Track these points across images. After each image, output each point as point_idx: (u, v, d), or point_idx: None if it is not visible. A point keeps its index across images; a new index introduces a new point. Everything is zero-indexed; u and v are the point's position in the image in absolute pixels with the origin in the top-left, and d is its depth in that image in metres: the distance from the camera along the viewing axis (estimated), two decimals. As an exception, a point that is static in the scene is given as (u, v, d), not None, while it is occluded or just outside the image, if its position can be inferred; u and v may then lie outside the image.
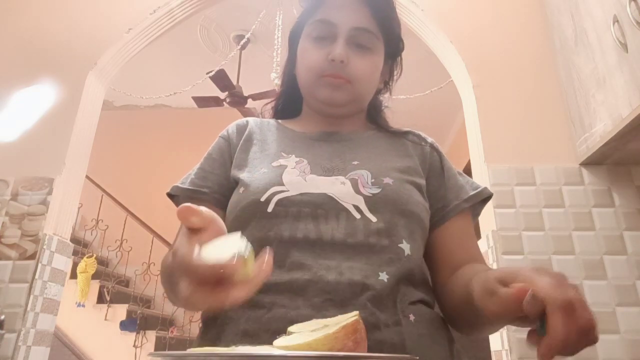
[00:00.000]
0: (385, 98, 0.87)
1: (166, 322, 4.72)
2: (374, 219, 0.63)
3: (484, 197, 0.75)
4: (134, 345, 4.31)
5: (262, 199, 0.65)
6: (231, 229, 0.67)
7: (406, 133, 0.81)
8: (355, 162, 0.70)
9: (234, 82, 4.11)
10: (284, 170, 0.68)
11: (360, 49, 0.74)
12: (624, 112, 1.19)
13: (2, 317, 1.44)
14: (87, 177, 1.98)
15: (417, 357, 0.43)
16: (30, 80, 1.84)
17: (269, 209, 0.64)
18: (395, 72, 0.85)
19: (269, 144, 0.77)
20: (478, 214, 0.77)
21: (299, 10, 0.83)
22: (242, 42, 3.93)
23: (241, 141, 0.78)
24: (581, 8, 1.41)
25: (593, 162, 1.46)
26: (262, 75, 3.89)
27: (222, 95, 4.18)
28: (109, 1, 1.96)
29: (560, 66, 1.58)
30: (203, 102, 4.31)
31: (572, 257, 1.37)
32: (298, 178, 0.67)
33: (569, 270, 1.35)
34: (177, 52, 4.36)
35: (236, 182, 0.72)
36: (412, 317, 0.60)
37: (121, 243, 4.94)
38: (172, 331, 4.68)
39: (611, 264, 1.35)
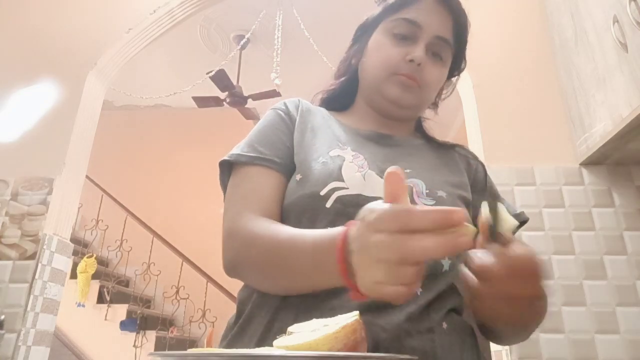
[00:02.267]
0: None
1: (166, 322, 4.72)
2: None
3: (521, 221, 0.75)
4: (134, 345, 4.31)
5: (322, 193, 0.63)
6: (285, 215, 0.66)
7: (454, 146, 0.82)
8: (408, 171, 0.69)
9: (234, 82, 4.11)
10: (342, 163, 0.66)
11: (435, 58, 0.75)
12: (624, 112, 1.19)
13: (2, 317, 1.44)
14: (87, 177, 1.98)
15: (416, 357, 0.43)
16: (30, 80, 1.84)
17: (328, 205, 0.62)
18: (445, 91, 0.85)
19: (323, 130, 0.74)
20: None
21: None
22: (242, 42, 3.93)
23: (297, 119, 0.75)
24: (581, 8, 1.41)
25: (593, 162, 1.46)
26: (262, 75, 3.90)
27: (222, 95, 4.18)
28: (109, 1, 1.96)
29: (560, 66, 1.58)
30: (203, 102, 4.32)
31: (572, 257, 1.37)
32: (357, 175, 0.65)
33: (569, 270, 1.35)
34: (177, 52, 4.36)
35: (294, 165, 0.69)
36: (445, 325, 0.59)
37: (121, 243, 4.93)
38: (172, 331, 4.68)
39: (611, 264, 1.35)
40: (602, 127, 1.31)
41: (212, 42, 4.30)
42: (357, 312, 0.45)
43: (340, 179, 0.64)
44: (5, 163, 1.70)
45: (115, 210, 5.10)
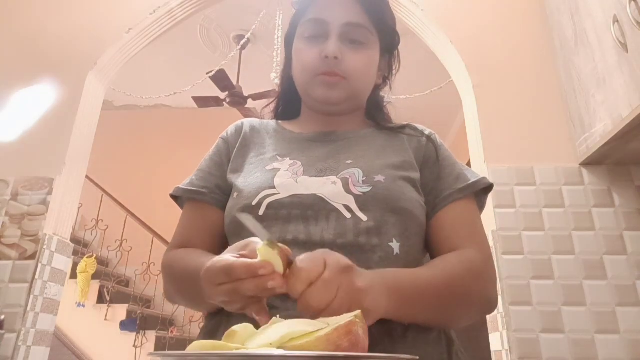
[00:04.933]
0: (386, 94, 0.86)
1: (166, 322, 4.72)
2: (364, 217, 0.63)
3: (480, 187, 0.73)
4: (134, 345, 4.31)
5: (254, 203, 0.66)
6: (228, 233, 0.70)
7: (403, 127, 0.80)
8: (349, 161, 0.70)
9: (234, 82, 4.11)
10: (276, 174, 0.69)
11: (354, 45, 0.74)
12: (624, 112, 1.19)
13: (2, 317, 1.44)
14: (87, 177, 1.98)
15: (417, 357, 0.43)
16: (30, 80, 1.84)
17: (260, 213, 0.65)
18: (394, 67, 0.84)
19: (265, 147, 0.77)
20: (482, 206, 0.76)
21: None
22: (242, 42, 3.93)
23: (237, 144, 0.79)
24: (581, 8, 1.41)
25: (593, 162, 1.46)
26: (262, 75, 3.89)
27: (222, 95, 4.18)
28: (109, 1, 1.96)
29: (560, 66, 1.58)
30: (203, 102, 4.31)
31: (572, 257, 1.37)
32: (289, 180, 0.67)
33: (569, 270, 1.36)
34: (177, 52, 4.36)
35: (231, 189, 0.73)
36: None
37: (121, 243, 4.93)
38: (172, 331, 4.68)
39: (611, 264, 1.35)
40: (602, 127, 1.31)
41: (212, 42, 4.30)
42: (357, 312, 0.45)
43: (271, 187, 0.67)
44: (5, 163, 1.70)
45: (115, 210, 5.11)
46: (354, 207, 0.64)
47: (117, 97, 4.97)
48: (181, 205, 0.80)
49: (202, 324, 4.48)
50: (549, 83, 1.61)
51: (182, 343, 4.53)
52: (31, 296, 1.49)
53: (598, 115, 1.34)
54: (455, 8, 1.76)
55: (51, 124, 1.75)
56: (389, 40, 0.80)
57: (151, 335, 4.44)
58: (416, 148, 0.75)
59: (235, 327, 0.45)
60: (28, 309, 1.48)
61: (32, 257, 1.54)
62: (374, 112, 0.84)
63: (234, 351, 0.40)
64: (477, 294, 0.64)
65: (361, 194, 0.64)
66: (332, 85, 0.73)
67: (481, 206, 0.76)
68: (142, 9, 1.92)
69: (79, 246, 4.86)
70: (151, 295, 5.16)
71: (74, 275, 4.30)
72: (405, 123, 0.82)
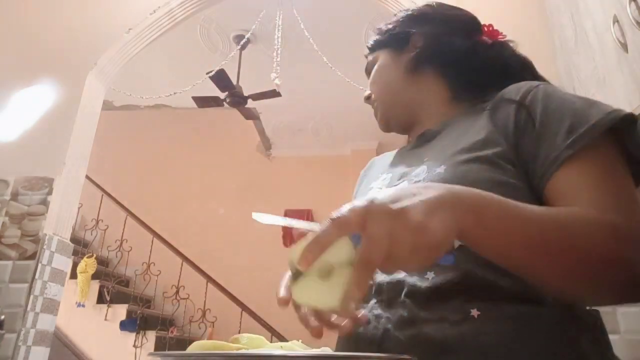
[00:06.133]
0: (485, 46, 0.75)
1: (166, 322, 4.72)
2: None
3: (605, 129, 0.53)
4: (134, 345, 4.31)
5: None
6: None
7: (490, 103, 0.66)
8: (426, 159, 0.66)
9: (234, 82, 4.11)
10: (369, 192, 0.71)
11: (371, 67, 0.82)
12: (624, 112, 1.19)
13: (2, 317, 1.44)
14: (87, 177, 1.98)
15: (416, 358, 0.43)
16: (30, 80, 1.84)
17: None
18: (440, 32, 0.76)
19: (379, 169, 0.81)
20: (636, 142, 0.54)
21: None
22: (242, 42, 3.93)
23: (364, 176, 0.86)
24: (581, 8, 1.41)
25: (593, 162, 1.45)
26: (262, 75, 3.89)
27: (222, 95, 4.18)
28: (109, 1, 1.96)
29: (560, 66, 1.58)
30: (203, 102, 4.31)
31: (572, 257, 1.37)
32: (374, 191, 0.69)
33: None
34: (177, 52, 4.36)
35: None
36: (474, 313, 0.50)
37: (121, 243, 4.93)
38: (172, 331, 4.68)
39: (611, 264, 1.35)
40: (602, 127, 1.31)
41: (212, 42, 4.30)
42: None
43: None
44: (5, 163, 1.70)
45: (115, 210, 5.10)
46: None
47: (117, 97, 4.97)
48: None
49: (202, 324, 4.44)
50: (549, 83, 1.61)
51: (182, 343, 4.52)
52: (31, 296, 1.49)
53: (598, 115, 1.34)
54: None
55: (51, 124, 1.75)
56: (394, 39, 0.80)
57: (151, 335, 4.43)
58: (503, 119, 0.62)
59: (244, 335, 0.45)
60: (28, 309, 1.48)
61: (32, 257, 1.54)
62: (460, 90, 0.76)
63: (234, 351, 0.40)
64: (619, 259, 0.47)
65: None
66: (374, 112, 0.81)
67: (637, 143, 0.54)
68: (142, 9, 1.92)
69: (79, 246, 4.86)
70: (151, 295, 5.15)
71: (74, 275, 4.29)
72: (500, 94, 0.66)
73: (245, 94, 4.13)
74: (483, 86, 0.72)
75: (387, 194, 0.42)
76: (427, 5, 0.81)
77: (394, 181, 0.69)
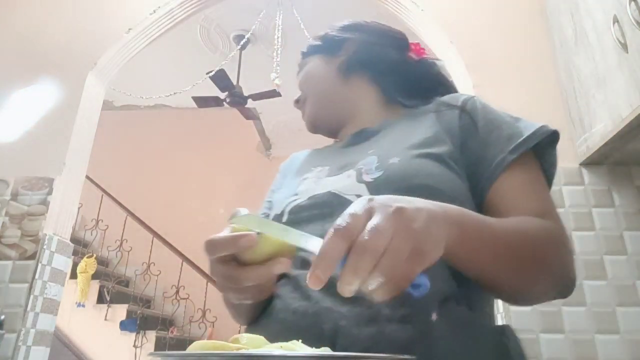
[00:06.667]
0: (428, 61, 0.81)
1: (166, 322, 4.72)
2: None
3: (538, 140, 0.62)
4: (134, 345, 4.31)
5: (279, 212, 0.67)
6: None
7: (432, 106, 0.72)
8: (370, 151, 0.67)
9: (234, 82, 4.11)
10: (302, 182, 0.71)
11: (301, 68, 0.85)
12: (624, 112, 1.19)
13: (2, 317, 1.44)
14: (87, 177, 1.98)
15: (415, 357, 0.42)
16: (30, 80, 1.84)
17: (284, 220, 0.65)
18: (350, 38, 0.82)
19: (307, 163, 0.80)
20: (553, 162, 0.67)
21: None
22: (242, 42, 3.93)
23: (287, 169, 0.85)
24: (581, 8, 1.41)
25: (593, 162, 1.46)
26: (262, 75, 3.90)
27: (222, 95, 4.18)
28: (109, 1, 1.96)
29: (560, 66, 1.58)
30: (203, 102, 4.31)
31: (572, 257, 1.37)
32: (311, 184, 0.68)
33: (569, 270, 1.36)
34: (177, 52, 4.36)
35: None
36: (434, 316, 0.50)
37: (121, 243, 4.93)
38: (172, 331, 4.68)
39: (611, 264, 1.35)
40: (602, 127, 1.31)
41: (212, 42, 4.30)
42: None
43: (294, 194, 0.69)
44: (5, 163, 1.70)
45: (115, 210, 5.10)
46: (365, 195, 0.57)
47: (117, 97, 4.98)
48: None
49: (202, 324, 4.46)
50: (549, 83, 1.61)
51: (182, 343, 4.53)
52: (31, 296, 1.49)
53: (598, 115, 1.34)
54: (455, 8, 1.76)
55: (51, 124, 1.75)
56: (327, 46, 0.83)
57: (151, 335, 4.43)
58: (448, 122, 0.68)
59: (244, 335, 0.45)
60: (28, 309, 1.48)
61: (32, 257, 1.54)
62: (393, 94, 0.80)
63: (234, 351, 0.40)
64: (558, 264, 0.55)
65: (372, 180, 0.61)
66: (302, 116, 0.83)
67: (551, 162, 0.66)
68: (142, 9, 1.92)
69: (79, 246, 4.86)
70: (151, 295, 5.16)
71: (74, 275, 4.30)
72: (438, 98, 0.74)
73: (245, 94, 4.13)
74: (414, 95, 0.79)
75: (384, 197, 0.43)
76: (364, 20, 0.86)
77: (335, 171, 0.69)
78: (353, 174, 0.64)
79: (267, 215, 0.75)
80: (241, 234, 0.46)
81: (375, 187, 0.59)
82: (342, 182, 0.64)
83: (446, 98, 0.73)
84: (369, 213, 0.40)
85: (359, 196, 0.59)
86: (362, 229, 0.39)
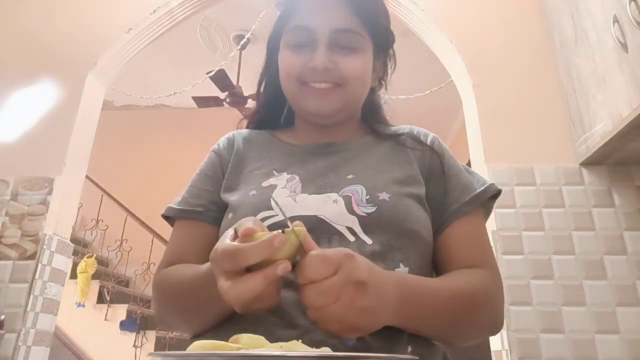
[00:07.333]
0: (382, 95, 0.82)
1: (166, 322, 4.71)
2: (369, 241, 0.59)
3: (489, 196, 0.69)
4: (134, 345, 4.31)
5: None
6: None
7: (405, 138, 0.74)
8: (350, 176, 0.65)
9: (234, 82, 4.11)
10: (273, 191, 0.64)
11: (346, 50, 0.69)
12: (624, 112, 1.19)
13: (2, 317, 1.44)
14: (87, 177, 1.98)
15: (417, 357, 0.43)
16: (30, 80, 1.84)
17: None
18: (389, 66, 0.79)
19: (260, 161, 0.72)
20: (489, 212, 0.72)
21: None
22: (242, 42, 3.92)
23: (231, 159, 0.74)
24: (581, 8, 1.41)
25: (593, 162, 1.46)
26: (262, 75, 3.89)
27: (222, 95, 4.18)
28: (109, 1, 1.96)
29: (560, 66, 1.58)
30: (203, 102, 4.31)
31: (572, 257, 1.37)
32: (288, 199, 0.63)
33: (569, 270, 1.35)
34: (177, 52, 4.36)
35: (226, 206, 0.68)
36: (410, 349, 0.56)
37: (121, 243, 4.93)
38: (172, 331, 4.68)
39: (611, 264, 1.35)
40: (602, 127, 1.31)
41: (212, 42, 4.30)
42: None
43: (269, 207, 0.62)
44: (5, 163, 1.70)
45: (115, 210, 5.10)
46: (357, 229, 0.60)
47: (117, 97, 4.97)
48: (172, 223, 0.75)
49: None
50: (548, 83, 1.61)
51: (182, 343, 4.52)
52: (31, 296, 1.49)
53: (598, 115, 1.34)
54: (455, 8, 1.76)
55: (51, 124, 1.75)
56: (382, 39, 0.74)
57: (151, 335, 4.43)
58: (420, 160, 0.71)
59: (244, 335, 0.44)
60: (28, 309, 1.48)
61: (32, 257, 1.54)
62: (370, 116, 0.79)
63: (234, 351, 0.40)
64: (488, 316, 0.63)
65: (365, 214, 0.60)
66: (323, 94, 0.68)
67: (488, 212, 0.72)
68: (142, 9, 1.92)
69: (79, 246, 4.86)
70: (151, 295, 5.15)
71: (74, 275, 4.30)
72: (406, 129, 0.76)
73: (245, 94, 4.13)
74: (374, 116, 0.80)
75: (360, 264, 0.48)
76: None
77: (313, 189, 0.64)
78: (340, 201, 0.62)
79: (215, 212, 0.70)
80: (272, 234, 0.45)
81: (367, 223, 0.60)
82: (330, 208, 0.61)
83: (417, 132, 0.76)
84: (336, 268, 0.46)
85: (349, 228, 0.60)
86: (324, 277, 0.45)
